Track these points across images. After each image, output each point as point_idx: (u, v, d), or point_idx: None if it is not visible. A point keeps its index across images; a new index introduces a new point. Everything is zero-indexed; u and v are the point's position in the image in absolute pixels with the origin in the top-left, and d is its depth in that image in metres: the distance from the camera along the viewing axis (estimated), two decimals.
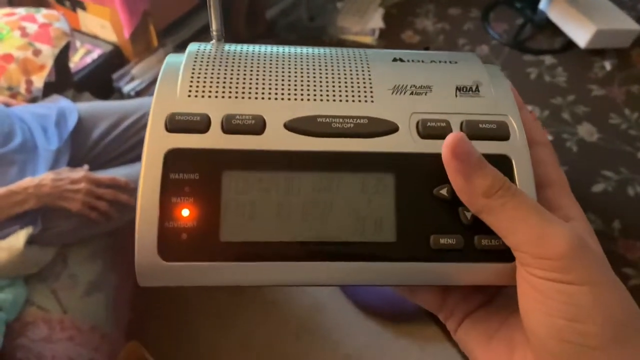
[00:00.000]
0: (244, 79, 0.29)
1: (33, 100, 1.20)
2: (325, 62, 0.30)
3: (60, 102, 1.14)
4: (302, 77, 0.29)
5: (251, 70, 0.29)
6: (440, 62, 0.31)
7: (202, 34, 1.94)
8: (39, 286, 0.99)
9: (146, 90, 1.55)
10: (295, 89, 0.29)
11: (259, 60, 0.30)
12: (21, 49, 1.17)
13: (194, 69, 0.29)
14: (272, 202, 0.26)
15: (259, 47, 0.31)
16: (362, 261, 0.26)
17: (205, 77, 0.28)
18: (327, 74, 0.30)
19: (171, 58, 0.30)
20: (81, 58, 1.58)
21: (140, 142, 1.15)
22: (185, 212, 0.26)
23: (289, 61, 0.30)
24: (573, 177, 1.77)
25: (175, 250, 0.26)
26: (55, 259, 1.00)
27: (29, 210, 0.93)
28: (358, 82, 0.29)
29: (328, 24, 2.22)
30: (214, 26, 0.32)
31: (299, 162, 0.27)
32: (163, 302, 1.42)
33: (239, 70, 0.29)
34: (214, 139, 0.26)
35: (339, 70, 0.30)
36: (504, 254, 0.26)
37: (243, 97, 0.28)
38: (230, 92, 0.28)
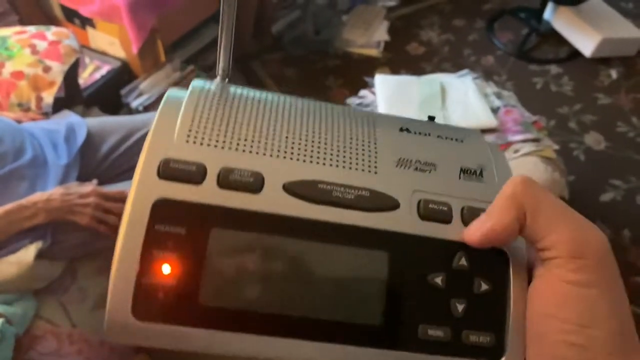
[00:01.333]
0: (247, 129, 0.27)
1: (43, 115, 1.22)
2: (332, 122, 0.29)
3: (69, 118, 1.15)
4: (307, 135, 0.28)
5: (255, 120, 0.28)
6: (446, 138, 0.31)
7: (209, 50, 1.96)
8: (48, 300, 1.00)
9: (154, 104, 1.57)
10: (299, 148, 0.27)
11: (264, 109, 0.28)
12: (31, 66, 1.20)
13: (195, 110, 0.27)
14: (259, 268, 0.24)
15: (265, 93, 0.30)
16: (344, 344, 0.25)
17: (206, 122, 0.27)
18: (333, 135, 0.28)
19: (172, 93, 0.28)
20: (90, 74, 1.60)
21: None
22: (166, 269, 0.23)
23: (295, 115, 0.29)
24: (581, 187, 1.77)
25: (150, 310, 0.23)
26: (64, 273, 1.01)
27: (39, 225, 0.94)
28: (363, 150, 0.28)
29: (334, 37, 2.24)
30: (221, 65, 0.31)
31: (294, 229, 0.25)
32: None
33: (242, 118, 0.27)
34: (208, 193, 0.24)
35: (345, 133, 0.29)
36: (491, 352, 0.25)
37: (244, 150, 0.26)
38: (230, 142, 0.26)
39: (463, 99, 1.34)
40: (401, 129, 0.30)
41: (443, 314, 0.25)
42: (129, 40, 1.49)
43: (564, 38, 2.32)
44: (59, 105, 1.24)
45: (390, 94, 1.36)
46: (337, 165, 0.27)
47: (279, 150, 0.27)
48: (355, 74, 2.10)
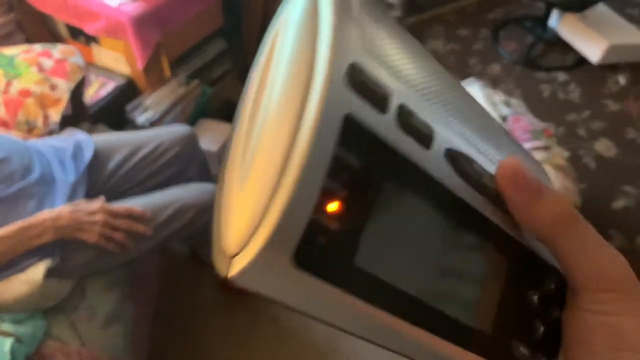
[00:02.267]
0: (419, 68, 0.22)
1: (50, 133, 1.22)
2: (484, 112, 0.27)
3: (76, 135, 1.15)
4: (470, 107, 0.25)
5: (430, 66, 0.23)
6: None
7: (214, 64, 1.96)
8: (58, 318, 0.99)
9: (160, 120, 1.56)
10: (465, 113, 0.24)
11: (427, 58, 0.24)
12: (38, 84, 1.20)
13: (387, 23, 0.22)
14: (416, 242, 0.21)
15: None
16: (435, 334, 0.22)
17: (396, 41, 0.21)
18: (488, 120, 0.27)
19: None
20: (96, 91, 1.60)
21: (155, 173, 1.16)
22: (334, 209, 0.18)
23: (449, 80, 0.24)
24: (592, 194, 1.75)
25: (311, 257, 0.18)
26: (73, 291, 1.00)
27: (47, 243, 0.93)
28: (509, 144, 0.27)
29: None
30: None
31: (454, 209, 0.21)
32: (181, 333, 1.40)
33: (413, 55, 0.22)
34: (389, 129, 0.19)
35: (494, 124, 0.27)
36: None
37: (418, 92, 0.21)
38: (407, 77, 0.21)
39: None
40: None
41: (529, 334, 0.25)
42: (134, 57, 1.49)
43: (570, 45, 2.31)
44: (66, 122, 1.24)
45: None
46: (490, 150, 0.24)
47: (450, 107, 0.22)
48: None
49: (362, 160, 0.18)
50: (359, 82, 0.18)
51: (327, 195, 0.18)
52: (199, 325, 1.42)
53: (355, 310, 0.19)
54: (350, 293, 0.19)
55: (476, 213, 0.22)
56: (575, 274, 0.24)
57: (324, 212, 0.18)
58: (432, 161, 0.20)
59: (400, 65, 0.20)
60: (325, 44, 0.18)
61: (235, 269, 0.17)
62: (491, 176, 0.22)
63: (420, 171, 0.20)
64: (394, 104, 0.19)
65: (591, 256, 0.24)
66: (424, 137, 0.20)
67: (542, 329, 0.25)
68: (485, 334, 0.23)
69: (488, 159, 0.23)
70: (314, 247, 0.18)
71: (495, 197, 0.23)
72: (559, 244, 0.24)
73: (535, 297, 0.25)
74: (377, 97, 0.18)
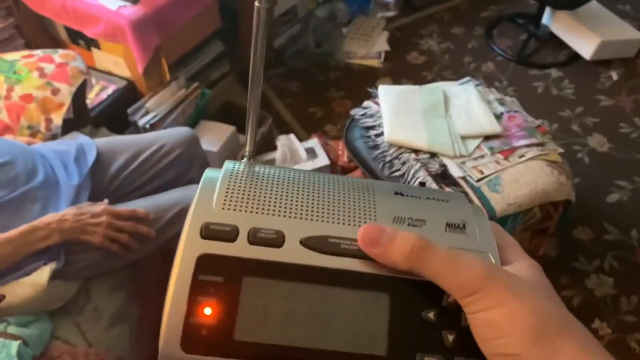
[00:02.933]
0: (269, 197, 0.33)
1: (53, 137, 1.23)
2: (338, 189, 0.35)
3: (79, 139, 1.17)
4: (317, 200, 0.34)
5: (275, 190, 0.34)
6: (433, 199, 0.36)
7: (212, 66, 1.98)
8: (64, 320, 1.00)
9: (161, 122, 1.58)
10: (312, 211, 0.33)
11: (283, 181, 0.35)
12: (40, 89, 1.21)
13: (228, 185, 0.33)
14: (283, 309, 0.29)
15: (284, 169, 0.36)
16: None
17: (237, 193, 0.33)
18: (339, 200, 0.34)
19: (209, 173, 0.35)
20: (97, 94, 1.62)
21: (158, 175, 1.17)
22: (208, 311, 0.29)
23: (307, 186, 0.35)
24: (587, 189, 1.77)
25: (195, 344, 0.28)
26: (78, 293, 1.02)
27: (52, 245, 0.95)
28: (364, 211, 0.34)
29: (335, 49, 2.26)
30: (247, 147, 0.38)
31: (310, 276, 0.30)
32: None
33: (266, 188, 0.34)
34: (240, 249, 0.30)
35: (349, 198, 0.35)
36: None
37: (268, 214, 0.32)
38: (257, 207, 0.32)
39: (466, 107, 1.36)
40: (395, 193, 0.36)
41: (436, 344, 0.30)
42: (134, 60, 1.51)
43: (563, 42, 2.34)
44: (68, 126, 1.26)
45: (393, 103, 1.37)
46: (343, 223, 0.33)
47: (296, 213, 0.33)
48: (357, 85, 2.12)
49: (222, 275, 0.29)
50: (210, 232, 0.30)
51: (195, 304, 0.28)
52: None
53: None
54: (239, 359, 0.28)
55: (343, 272, 0.30)
56: (445, 288, 0.29)
57: (197, 314, 0.28)
58: (289, 252, 0.30)
59: (252, 203, 0.32)
60: (188, 215, 0.31)
61: None
62: (350, 239, 0.31)
63: (277, 263, 0.30)
64: (244, 231, 0.30)
65: (447, 271, 0.29)
66: (274, 241, 0.30)
67: (452, 337, 0.30)
68: (384, 358, 0.29)
69: (351, 224, 0.33)
70: (196, 337, 0.28)
71: (362, 252, 0.31)
72: (421, 271, 0.29)
73: (432, 314, 0.30)
74: (225, 235, 0.30)
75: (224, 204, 0.32)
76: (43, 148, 1.11)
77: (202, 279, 0.29)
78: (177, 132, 1.23)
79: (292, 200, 0.33)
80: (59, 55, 1.29)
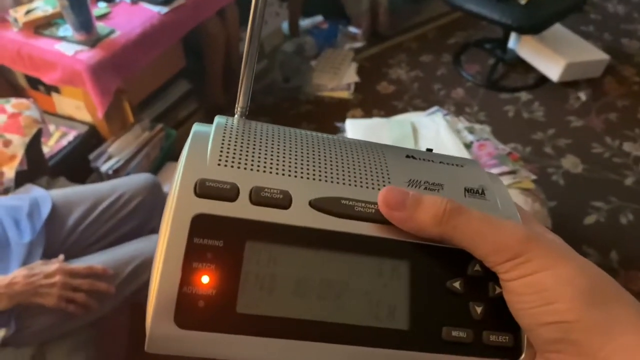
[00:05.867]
0: (271, 154, 0.29)
1: (5, 191, 1.17)
2: (347, 149, 0.32)
3: (32, 192, 1.11)
4: (325, 160, 0.30)
5: (278, 147, 0.30)
6: (447, 164, 0.33)
7: (179, 105, 1.95)
8: None
9: (124, 167, 1.53)
10: (321, 170, 0.29)
11: (284, 138, 0.31)
12: None
13: (223, 139, 0.29)
14: (291, 277, 0.26)
15: (283, 127, 0.32)
16: (373, 347, 0.26)
17: (234, 149, 0.29)
18: (349, 160, 0.31)
19: (198, 127, 0.31)
20: (57, 141, 1.56)
21: (117, 226, 1.12)
22: (205, 279, 0.25)
23: (314, 144, 0.31)
24: (563, 211, 1.75)
25: (191, 318, 0.25)
26: (32, 359, 0.95)
27: (2, 311, 0.88)
28: (377, 172, 0.31)
29: (304, 83, 2.25)
30: (241, 103, 0.33)
31: (322, 241, 0.27)
32: None
33: (266, 145, 0.30)
34: (242, 209, 0.26)
35: (360, 159, 0.31)
36: (511, 351, 0.27)
37: (271, 172, 0.28)
38: (258, 165, 0.28)
39: (435, 138, 1.33)
40: (407, 156, 0.33)
41: (464, 317, 0.27)
42: (94, 104, 1.46)
43: (531, 65, 2.36)
44: (22, 178, 1.20)
45: (362, 137, 1.34)
46: (356, 185, 0.29)
47: (302, 172, 0.29)
48: (328, 117, 2.10)
49: (221, 239, 0.25)
50: (207, 190, 0.26)
51: (190, 271, 0.25)
52: None
53: (257, 345, 0.25)
54: (242, 334, 0.25)
55: (357, 237, 0.27)
56: (479, 255, 0.27)
57: (192, 283, 0.25)
58: (297, 214, 0.27)
59: (252, 161, 0.28)
60: (178, 172, 0.27)
61: (147, 342, 0.24)
62: (364, 201, 0.28)
63: (284, 226, 0.27)
64: (244, 190, 0.27)
65: (482, 236, 0.26)
66: (280, 201, 0.27)
67: (480, 308, 0.27)
68: (407, 332, 0.27)
69: (363, 185, 0.30)
70: (192, 310, 0.24)
71: (378, 216, 0.28)
72: (452, 237, 0.27)
73: (458, 284, 0.28)
74: (224, 193, 0.26)
75: (220, 160, 0.28)
76: None
77: (198, 243, 0.25)
78: (137, 180, 1.18)
79: (297, 159, 0.29)
80: (11, 105, 1.24)
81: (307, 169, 0.29)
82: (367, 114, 2.17)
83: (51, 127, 1.56)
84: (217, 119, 0.32)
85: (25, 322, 0.92)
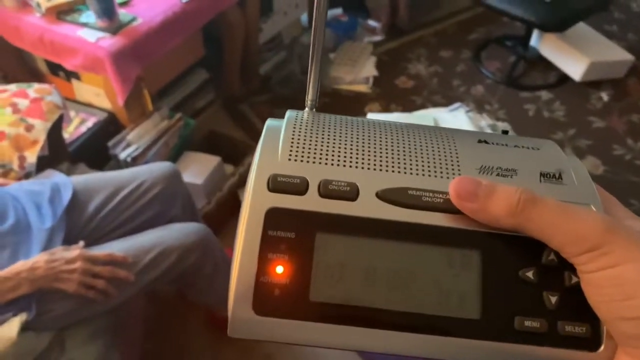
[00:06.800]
0: (339, 147, 0.30)
1: (27, 175, 1.17)
2: (415, 137, 0.32)
3: (54, 177, 1.11)
4: (392, 150, 0.31)
5: (345, 139, 0.31)
6: (522, 147, 0.32)
7: (196, 95, 1.94)
8: None
9: (142, 155, 1.53)
10: (387, 161, 0.30)
11: (351, 130, 0.32)
12: (13, 126, 1.16)
13: (293, 134, 0.31)
14: (361, 267, 0.27)
15: (351, 118, 0.33)
16: (445, 336, 0.27)
17: (304, 143, 0.30)
18: (417, 148, 0.31)
19: (271, 122, 0.32)
20: (76, 127, 1.56)
21: (137, 213, 1.12)
22: (280, 269, 0.27)
23: (381, 133, 0.32)
24: None
25: (267, 305, 0.26)
26: (51, 344, 0.95)
27: (23, 295, 0.89)
28: (446, 160, 0.30)
29: (322, 75, 2.22)
30: (310, 96, 0.34)
31: (389, 231, 0.28)
32: None
33: (334, 138, 0.31)
34: (311, 202, 0.28)
35: (427, 146, 0.31)
36: (588, 342, 0.27)
37: (338, 165, 0.29)
38: (326, 159, 0.30)
39: None
40: (479, 141, 0.32)
41: (537, 306, 0.27)
42: (114, 91, 1.46)
43: (552, 63, 2.32)
44: (44, 163, 1.20)
45: None
46: (423, 174, 0.29)
47: (369, 163, 0.30)
48: (345, 110, 2.08)
49: (293, 231, 0.27)
50: (278, 184, 0.28)
51: (265, 262, 0.27)
52: None
53: (329, 332, 0.27)
54: (315, 321, 0.26)
55: (426, 227, 0.28)
56: (555, 246, 0.26)
57: (268, 273, 0.26)
58: (365, 206, 0.28)
59: (320, 154, 0.30)
60: (253, 168, 0.29)
61: (229, 327, 0.26)
62: (432, 191, 0.28)
63: (352, 218, 0.28)
64: (313, 183, 0.28)
65: (559, 226, 0.25)
66: (348, 193, 0.28)
67: (554, 298, 0.27)
68: (479, 321, 0.27)
69: (431, 175, 0.29)
70: (268, 298, 0.26)
71: (447, 206, 0.28)
72: (526, 228, 0.26)
73: (531, 273, 0.27)
74: (295, 187, 0.28)
75: (290, 155, 0.29)
76: (15, 189, 1.05)
77: (272, 235, 0.27)
78: (158, 168, 1.17)
79: (363, 151, 0.30)
80: (33, 89, 1.23)
81: (375, 160, 0.30)
82: (385, 108, 2.15)
83: (71, 114, 1.56)
84: (288, 112, 0.33)
85: (45, 306, 0.92)
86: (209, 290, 1.19)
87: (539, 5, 1.93)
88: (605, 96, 2.20)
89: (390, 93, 2.25)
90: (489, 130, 1.35)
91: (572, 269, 0.27)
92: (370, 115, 1.39)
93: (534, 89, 2.26)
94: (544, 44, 2.34)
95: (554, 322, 0.27)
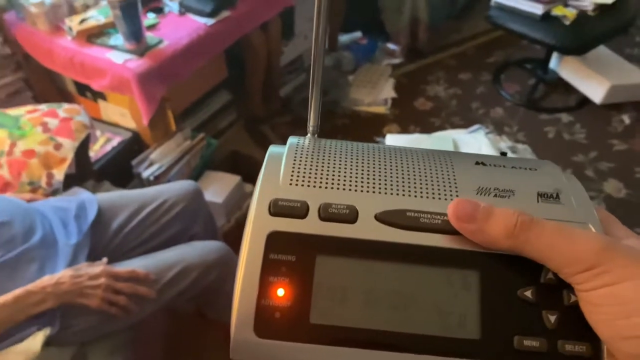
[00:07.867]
0: (339, 171, 0.31)
1: (54, 192, 1.21)
2: (414, 160, 0.32)
3: (80, 195, 1.14)
4: (391, 172, 0.31)
5: (345, 163, 0.32)
6: (520, 168, 0.33)
7: (219, 115, 1.98)
8: None
9: (165, 174, 1.56)
10: (386, 184, 0.30)
11: (351, 154, 0.32)
12: (43, 144, 1.20)
13: (294, 160, 0.32)
14: (361, 289, 0.27)
15: (351, 143, 0.34)
16: (445, 356, 0.27)
17: (304, 168, 0.31)
18: (415, 171, 0.31)
19: (273, 149, 0.33)
20: (101, 146, 1.61)
21: (160, 230, 1.14)
22: (281, 292, 0.27)
23: (379, 157, 0.32)
24: None
25: (269, 328, 0.27)
26: (73, 359, 0.97)
27: (47, 310, 0.91)
28: (444, 182, 0.31)
29: (341, 97, 2.26)
30: (311, 122, 0.35)
31: (388, 253, 0.28)
32: None
33: (334, 163, 0.32)
34: (312, 225, 0.28)
35: (425, 168, 0.32)
36: None
37: (338, 188, 0.30)
38: (326, 182, 0.30)
39: None
40: (477, 163, 0.33)
41: (537, 326, 0.27)
42: (139, 112, 1.50)
43: (572, 86, 2.32)
44: (70, 181, 1.24)
45: None
46: (421, 196, 0.30)
47: (368, 186, 0.30)
48: (364, 132, 2.10)
49: (294, 254, 0.27)
50: (280, 209, 0.29)
51: (267, 285, 0.27)
52: None
53: (330, 354, 0.27)
54: (315, 343, 0.27)
55: (424, 248, 0.28)
56: (552, 267, 0.26)
57: (269, 296, 0.27)
58: (364, 228, 0.28)
59: (320, 178, 0.30)
60: (255, 193, 0.30)
61: (231, 349, 0.27)
62: (429, 212, 0.29)
63: (352, 240, 0.28)
64: (313, 207, 0.29)
65: (556, 247, 0.25)
66: (347, 216, 0.28)
67: (554, 317, 0.27)
68: (478, 341, 0.27)
69: (429, 196, 0.30)
70: (269, 321, 0.27)
71: (445, 227, 0.28)
72: (524, 250, 0.26)
73: (529, 293, 0.27)
74: (295, 211, 0.28)
75: (291, 180, 0.30)
76: (43, 205, 1.08)
77: (273, 258, 0.28)
78: (180, 187, 1.20)
79: (362, 174, 0.31)
80: (63, 109, 1.28)
81: (374, 183, 0.31)
82: (404, 130, 2.16)
83: (97, 133, 1.60)
84: (290, 139, 0.34)
85: (68, 321, 0.94)
86: (228, 307, 1.19)
87: (558, 29, 1.94)
88: (626, 119, 2.18)
89: (409, 115, 2.26)
90: (509, 152, 1.35)
91: (571, 288, 0.27)
92: (389, 137, 1.41)
93: (553, 111, 2.25)
94: (563, 67, 2.34)
95: (554, 342, 0.27)
